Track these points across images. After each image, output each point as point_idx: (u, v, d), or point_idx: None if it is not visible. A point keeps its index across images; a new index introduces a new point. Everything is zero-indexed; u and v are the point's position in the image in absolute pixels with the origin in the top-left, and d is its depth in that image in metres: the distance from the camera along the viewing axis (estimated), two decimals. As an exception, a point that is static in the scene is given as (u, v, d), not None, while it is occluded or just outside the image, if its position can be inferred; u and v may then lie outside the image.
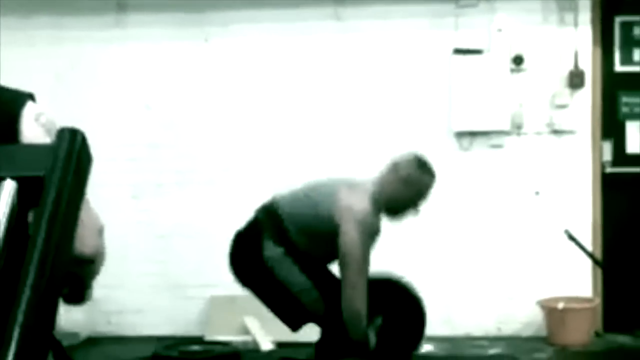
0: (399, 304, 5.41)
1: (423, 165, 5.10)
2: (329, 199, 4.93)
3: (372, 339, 5.05)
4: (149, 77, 7.54)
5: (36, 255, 1.49)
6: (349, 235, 4.78)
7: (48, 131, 2.20)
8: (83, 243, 2.15)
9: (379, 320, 5.24)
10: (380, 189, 5.01)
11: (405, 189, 5.03)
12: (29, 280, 1.47)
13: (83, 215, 1.78)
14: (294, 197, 5.14)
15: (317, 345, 5.28)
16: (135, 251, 7.54)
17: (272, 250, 4.99)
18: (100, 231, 2.32)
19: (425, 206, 7.25)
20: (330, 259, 5.07)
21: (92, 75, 7.54)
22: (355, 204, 4.84)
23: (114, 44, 7.52)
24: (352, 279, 4.77)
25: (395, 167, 5.09)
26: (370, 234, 4.86)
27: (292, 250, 4.97)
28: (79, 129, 1.72)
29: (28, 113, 2.26)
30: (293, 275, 4.98)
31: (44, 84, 7.45)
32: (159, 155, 7.52)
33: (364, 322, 4.86)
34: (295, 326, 5.25)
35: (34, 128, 2.23)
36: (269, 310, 5.25)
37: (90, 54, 7.55)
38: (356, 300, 4.77)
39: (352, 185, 5.02)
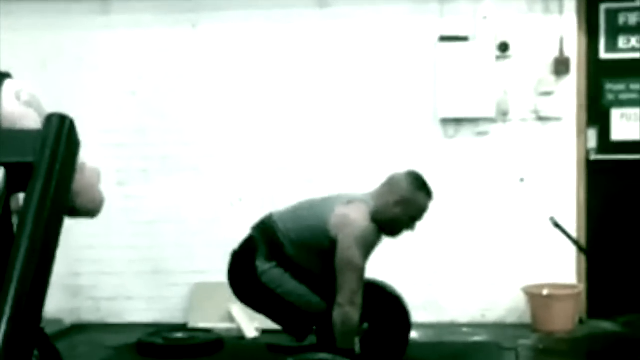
0: (384, 311, 5.43)
1: (420, 186, 5.11)
2: (327, 213, 4.93)
3: (357, 344, 5.06)
4: (135, 64, 7.52)
5: (24, 242, 1.49)
6: (349, 248, 4.79)
7: (29, 105, 2.20)
8: (85, 200, 2.26)
9: (364, 326, 5.25)
10: (376, 206, 5.01)
11: (401, 210, 5.04)
12: (16, 271, 1.47)
13: (81, 176, 1.80)
14: (291, 213, 5.15)
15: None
16: (119, 238, 7.53)
17: (264, 265, 5.00)
18: (97, 183, 2.35)
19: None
20: (325, 275, 5.06)
21: (78, 61, 7.51)
22: (355, 219, 4.86)
23: (100, 30, 7.49)
24: (349, 291, 4.78)
25: (391, 187, 5.09)
26: (369, 248, 4.87)
27: (284, 262, 4.98)
28: (68, 115, 1.72)
29: (7, 90, 2.25)
30: (286, 283, 4.99)
31: (30, 70, 7.42)
32: (144, 141, 7.50)
33: (355, 332, 4.87)
34: (300, 336, 5.26)
35: (15, 105, 2.22)
36: (275, 323, 5.29)
37: (76, 40, 7.52)
38: (351, 311, 4.78)
39: (350, 201, 5.01)
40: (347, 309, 4.77)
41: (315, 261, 5.00)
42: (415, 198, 5.07)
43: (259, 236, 5.12)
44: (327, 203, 5.06)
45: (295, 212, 5.15)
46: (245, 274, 5.10)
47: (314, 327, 5.20)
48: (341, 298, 4.78)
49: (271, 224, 5.10)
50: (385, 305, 5.48)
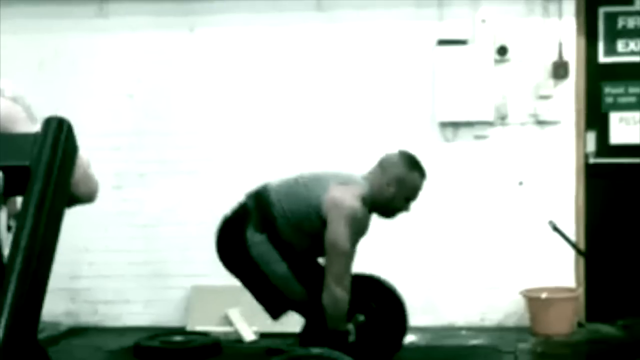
0: (382, 304, 5.41)
1: (413, 165, 5.09)
2: (320, 192, 4.91)
3: (352, 334, 5.04)
4: (132, 67, 7.51)
5: (23, 244, 1.48)
6: (337, 229, 4.76)
7: (15, 101, 2.21)
8: (83, 188, 2.35)
9: (361, 317, 5.23)
10: (370, 188, 4.99)
11: (395, 189, 5.01)
12: (15, 273, 1.46)
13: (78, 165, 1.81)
14: (286, 187, 5.11)
15: (301, 335, 5.28)
16: (117, 241, 7.52)
17: (255, 237, 4.96)
18: (89, 168, 2.37)
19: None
20: (313, 254, 5.05)
21: (75, 64, 7.51)
22: (345, 199, 4.82)
23: (98, 33, 7.49)
24: (336, 272, 4.75)
25: (383, 167, 5.07)
26: (358, 230, 4.85)
27: (274, 238, 4.95)
28: (66, 118, 1.71)
29: None
30: (273, 263, 4.96)
31: (27, 73, 7.42)
32: (141, 145, 7.50)
33: (344, 314, 4.83)
34: (275, 314, 5.25)
35: (1, 99, 2.22)
36: (252, 296, 5.24)
37: (74, 43, 7.51)
38: (339, 292, 4.75)
39: (345, 182, 5.00)
40: (335, 291, 4.73)
41: (305, 240, 4.98)
42: (409, 177, 5.04)
43: (253, 206, 5.08)
44: (322, 182, 5.02)
45: (291, 187, 5.11)
46: (234, 242, 5.08)
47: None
48: (329, 280, 4.75)
49: (266, 197, 5.06)
50: (381, 298, 5.46)
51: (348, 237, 4.78)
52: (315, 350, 4.32)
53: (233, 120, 7.44)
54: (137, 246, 7.55)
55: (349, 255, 4.82)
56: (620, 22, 7.24)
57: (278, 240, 4.95)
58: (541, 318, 6.98)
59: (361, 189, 4.95)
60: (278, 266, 4.97)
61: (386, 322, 5.44)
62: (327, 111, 7.36)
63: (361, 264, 5.30)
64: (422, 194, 7.27)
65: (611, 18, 7.24)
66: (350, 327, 5.02)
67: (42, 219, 1.53)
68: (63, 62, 7.51)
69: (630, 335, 6.93)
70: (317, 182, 5.04)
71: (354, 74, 7.31)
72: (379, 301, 5.44)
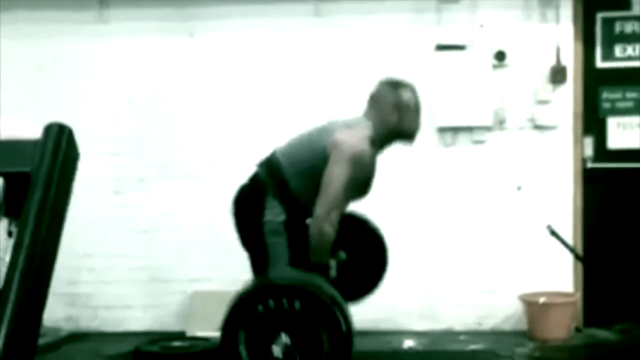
0: (363, 243, 5.34)
1: (399, 86, 5.00)
2: (326, 138, 4.81)
3: (334, 270, 4.98)
4: (132, 72, 7.53)
5: (23, 252, 1.49)
6: (335, 166, 4.64)
7: None
8: None
9: (342, 254, 5.18)
10: (374, 126, 4.90)
11: (397, 115, 4.92)
12: (16, 281, 1.47)
13: None
14: (293, 144, 5.01)
15: None
16: (117, 246, 7.53)
17: (272, 215, 4.86)
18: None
19: (408, 201, 7.28)
20: None
21: (75, 69, 7.52)
22: (349, 140, 4.70)
23: (97, 39, 7.50)
24: (327, 206, 4.61)
25: (376, 103, 4.99)
26: (359, 172, 4.71)
27: (288, 201, 4.83)
28: (67, 125, 1.72)
29: None
30: (278, 248, 4.86)
31: (27, 78, 7.45)
32: (141, 150, 7.51)
33: (328, 248, 4.69)
34: None
35: None
36: (251, 266, 5.16)
37: (73, 48, 7.53)
38: (326, 226, 4.61)
39: (350, 125, 4.90)
40: (322, 223, 4.62)
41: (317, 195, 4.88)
42: (403, 99, 4.95)
43: (264, 173, 4.98)
44: (327, 129, 4.93)
45: (295, 145, 5.00)
46: (250, 214, 4.96)
47: None
48: (318, 211, 4.64)
49: (276, 161, 4.98)
50: (363, 237, 5.39)
51: (345, 174, 4.65)
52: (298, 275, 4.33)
53: (232, 125, 7.45)
54: (137, 251, 7.55)
55: (343, 191, 4.69)
56: (618, 27, 7.26)
57: (292, 204, 4.84)
58: (539, 322, 6.99)
59: (367, 130, 4.86)
60: (282, 257, 4.88)
61: (367, 261, 5.36)
62: (326, 116, 7.35)
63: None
64: (421, 198, 7.31)
65: (609, 23, 7.26)
66: (332, 262, 4.95)
67: (43, 224, 1.54)
68: (62, 67, 7.52)
69: (627, 340, 6.94)
70: (323, 130, 4.93)
71: (353, 79, 7.32)
72: (361, 240, 5.37)
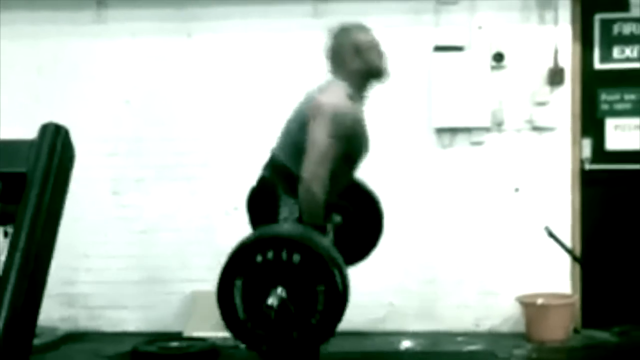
0: (359, 206, 5.31)
1: (347, 31, 4.98)
2: (306, 107, 4.80)
3: (330, 234, 4.95)
4: (130, 73, 7.53)
5: (19, 253, 1.49)
6: (316, 127, 4.58)
7: None
8: None
9: (337, 218, 5.15)
10: (343, 79, 4.86)
11: (358, 58, 4.88)
12: (11, 282, 1.47)
13: None
14: (282, 133, 4.99)
15: None
16: (115, 247, 7.53)
17: (288, 213, 4.81)
18: None
19: (405, 202, 7.28)
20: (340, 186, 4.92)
21: (73, 70, 7.52)
22: (325, 101, 4.66)
23: (96, 39, 7.50)
24: (313, 166, 4.55)
25: (336, 53, 4.95)
26: (342, 128, 4.64)
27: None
28: (63, 125, 1.72)
29: None
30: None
31: (26, 79, 7.45)
32: (139, 150, 7.51)
33: (321, 209, 4.62)
34: None
35: None
36: None
37: (72, 48, 7.53)
38: (314, 186, 4.55)
39: (323, 89, 4.84)
40: (309, 184, 4.55)
41: None
42: (356, 42, 4.92)
43: (269, 173, 4.93)
44: (304, 102, 4.89)
45: (284, 133, 4.96)
46: (267, 213, 4.91)
47: None
48: (304, 172, 4.58)
49: (276, 158, 4.95)
50: (358, 200, 5.35)
51: (327, 135, 4.61)
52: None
53: (231, 126, 7.45)
54: (135, 252, 7.55)
55: (327, 149, 4.63)
56: (616, 29, 7.27)
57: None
58: (537, 324, 6.99)
59: (340, 87, 4.81)
60: None
61: (362, 224, 5.33)
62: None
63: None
64: (418, 199, 7.31)
65: (607, 25, 7.27)
66: (328, 226, 4.90)
67: (38, 225, 1.55)
68: (61, 68, 7.52)
69: (625, 341, 6.95)
70: (301, 106, 4.89)
71: (351, 80, 7.33)
72: (356, 203, 5.34)
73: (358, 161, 4.91)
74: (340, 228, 5.05)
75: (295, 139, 4.73)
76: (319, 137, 4.57)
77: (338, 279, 3.90)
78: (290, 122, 4.87)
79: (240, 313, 3.89)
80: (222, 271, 3.93)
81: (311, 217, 4.49)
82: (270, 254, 3.88)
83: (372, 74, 4.85)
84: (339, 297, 3.91)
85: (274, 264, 3.88)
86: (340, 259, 4.02)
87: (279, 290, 3.86)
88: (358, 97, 4.80)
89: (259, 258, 3.88)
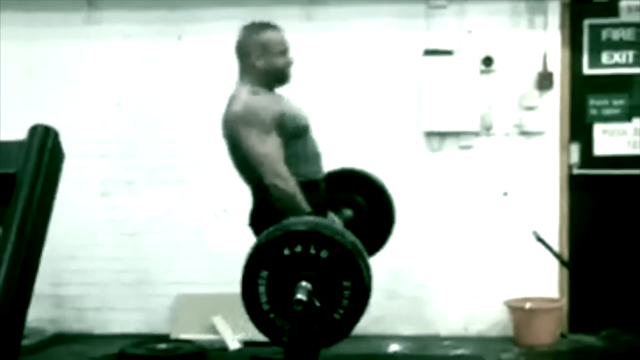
0: (369, 200, 5.31)
1: (250, 30, 4.99)
2: (224, 129, 4.84)
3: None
4: (120, 75, 7.52)
5: (7, 255, 1.49)
6: (243, 139, 4.57)
7: None
8: None
9: (348, 212, 5.15)
10: (248, 79, 4.87)
11: (263, 57, 4.89)
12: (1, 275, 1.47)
13: None
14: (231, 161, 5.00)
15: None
16: (103, 249, 7.53)
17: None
18: None
19: (395, 205, 7.27)
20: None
21: (63, 71, 7.51)
22: (232, 111, 4.68)
23: (86, 41, 7.49)
24: (267, 171, 4.52)
25: (238, 56, 4.97)
26: (260, 121, 4.64)
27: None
28: (52, 126, 1.72)
29: None
30: None
31: (15, 80, 7.43)
32: (129, 152, 7.50)
33: (296, 197, 4.57)
34: None
35: None
36: None
37: (62, 50, 7.52)
38: (282, 185, 4.49)
39: (231, 99, 4.86)
40: (275, 186, 4.50)
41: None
42: (258, 40, 4.92)
43: (256, 202, 4.90)
44: (221, 126, 4.91)
45: (231, 161, 4.99)
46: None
47: None
48: (265, 180, 4.56)
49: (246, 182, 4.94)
50: (369, 194, 5.35)
51: (256, 136, 4.60)
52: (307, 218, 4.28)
53: (220, 129, 7.44)
54: (124, 254, 7.55)
55: (269, 149, 4.61)
56: (605, 34, 7.28)
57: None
58: (525, 328, 7.01)
59: (245, 92, 4.82)
60: None
61: (373, 218, 5.32)
62: (314, 120, 7.35)
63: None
64: (407, 203, 7.31)
65: (596, 30, 7.28)
66: (338, 220, 4.86)
67: (27, 226, 1.55)
68: (52, 69, 7.51)
69: (612, 346, 6.96)
70: (222, 129, 4.93)
71: (341, 83, 7.34)
72: (367, 197, 5.34)
73: (305, 128, 4.90)
74: (352, 222, 5.04)
75: (240, 158, 4.74)
76: (252, 144, 4.60)
77: (365, 274, 3.90)
78: (228, 150, 4.89)
79: (264, 304, 3.88)
80: (247, 262, 3.91)
81: (298, 211, 4.47)
82: (298, 248, 3.87)
83: (274, 76, 4.88)
84: (364, 293, 3.91)
85: (302, 257, 3.86)
86: (366, 255, 4.01)
87: (306, 284, 3.86)
88: (261, 91, 4.80)
89: (287, 251, 3.87)
